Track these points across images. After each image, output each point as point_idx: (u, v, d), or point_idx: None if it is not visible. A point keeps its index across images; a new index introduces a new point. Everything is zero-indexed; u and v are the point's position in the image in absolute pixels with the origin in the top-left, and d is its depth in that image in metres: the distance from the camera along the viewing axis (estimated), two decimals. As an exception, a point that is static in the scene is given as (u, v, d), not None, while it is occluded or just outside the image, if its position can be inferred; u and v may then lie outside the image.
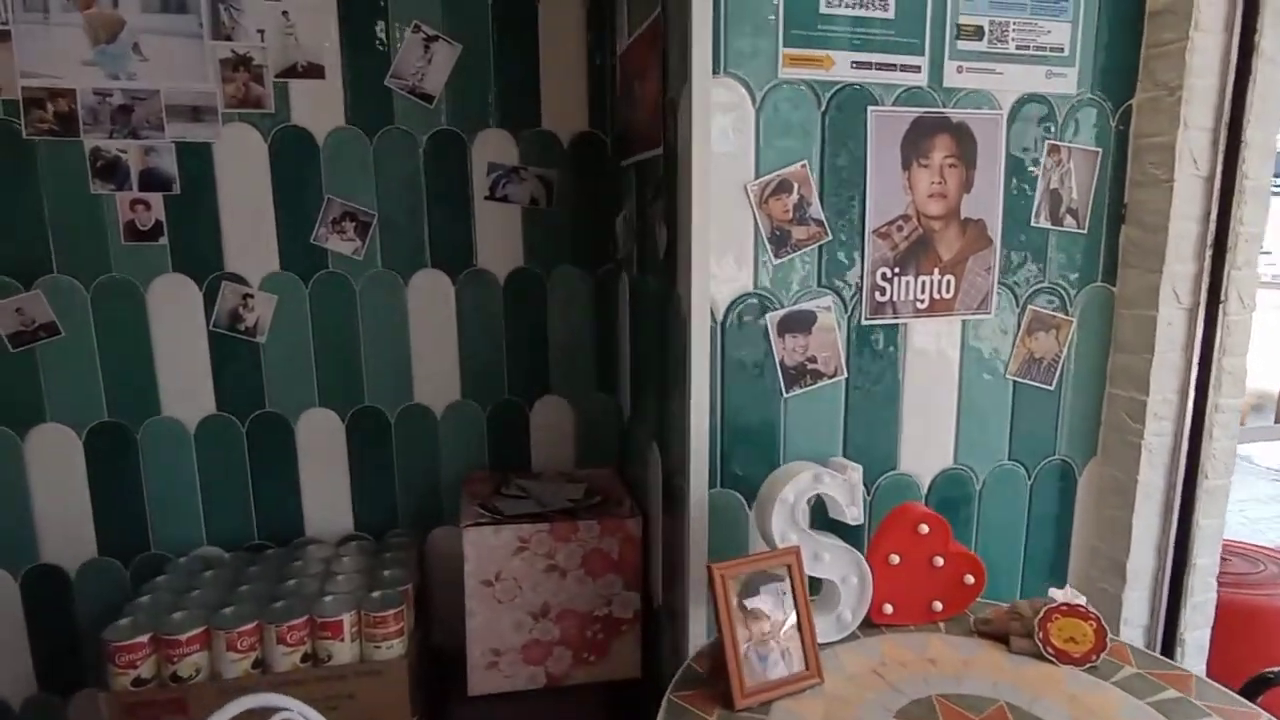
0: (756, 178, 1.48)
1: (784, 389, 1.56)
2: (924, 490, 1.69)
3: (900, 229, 1.57)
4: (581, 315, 2.31)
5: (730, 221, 1.48)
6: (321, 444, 2.21)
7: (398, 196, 2.15)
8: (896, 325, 1.61)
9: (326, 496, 2.23)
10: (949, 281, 1.62)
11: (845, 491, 1.40)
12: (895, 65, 1.51)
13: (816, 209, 1.52)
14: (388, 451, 2.25)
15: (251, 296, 2.10)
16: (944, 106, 1.55)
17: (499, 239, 2.22)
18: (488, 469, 2.31)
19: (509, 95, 2.16)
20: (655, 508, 1.85)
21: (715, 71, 1.42)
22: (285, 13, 2.01)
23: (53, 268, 1.98)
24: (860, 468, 1.40)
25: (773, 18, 1.43)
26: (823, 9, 1.45)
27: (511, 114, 2.18)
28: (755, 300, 1.52)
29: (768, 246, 1.51)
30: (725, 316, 1.51)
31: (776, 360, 1.55)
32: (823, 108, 1.49)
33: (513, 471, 2.29)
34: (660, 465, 1.80)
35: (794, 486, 1.36)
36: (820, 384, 1.58)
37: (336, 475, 2.23)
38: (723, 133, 1.44)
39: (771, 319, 1.53)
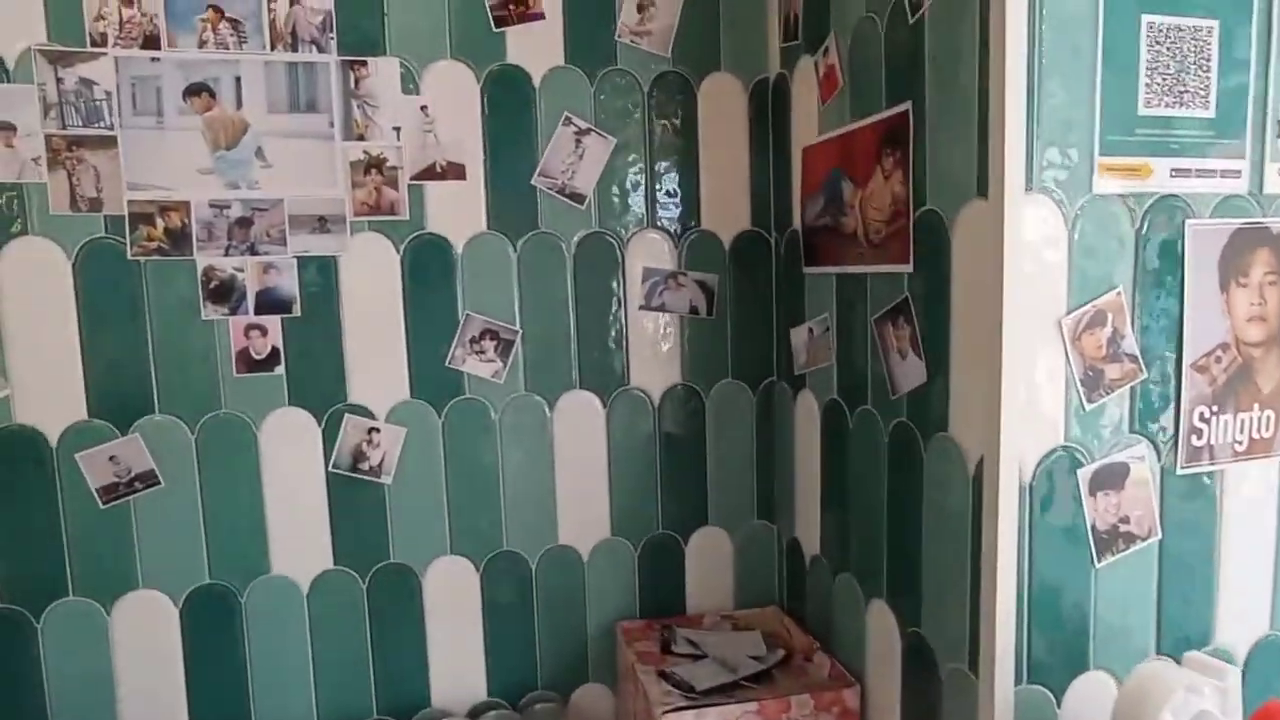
0: (1069, 311, 1.22)
1: (1095, 557, 1.28)
2: (1240, 663, 1.40)
3: (1218, 360, 1.31)
4: (742, 435, 2.03)
5: (1034, 362, 1.22)
6: (453, 597, 1.89)
7: (544, 310, 1.88)
8: (1214, 472, 1.34)
9: (457, 658, 1.90)
10: (1269, 418, 1.36)
11: (1221, 701, 1.11)
12: (1215, 171, 1.27)
13: (1130, 342, 1.26)
14: (528, 602, 1.93)
15: (377, 431, 1.81)
16: (1264, 215, 1.31)
17: (654, 353, 1.95)
18: (638, 615, 1.99)
19: (666, 193, 1.92)
20: (874, 674, 1.54)
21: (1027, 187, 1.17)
22: (424, 107, 1.77)
23: (154, 407, 1.68)
24: (1236, 670, 1.11)
25: (1089, 121, 1.19)
26: (1141, 109, 1.22)
27: (668, 213, 1.93)
28: (1064, 454, 1.25)
29: (1080, 389, 1.24)
30: (1033, 476, 1.23)
31: (1087, 524, 1.27)
32: (1137, 224, 1.24)
33: (670, 619, 1.97)
34: (896, 631, 1.50)
35: (1171, 709, 1.07)
36: (1133, 548, 1.30)
37: (469, 632, 1.91)
38: (1027, 258, 1.19)
39: (1083, 475, 1.26)
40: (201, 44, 1.66)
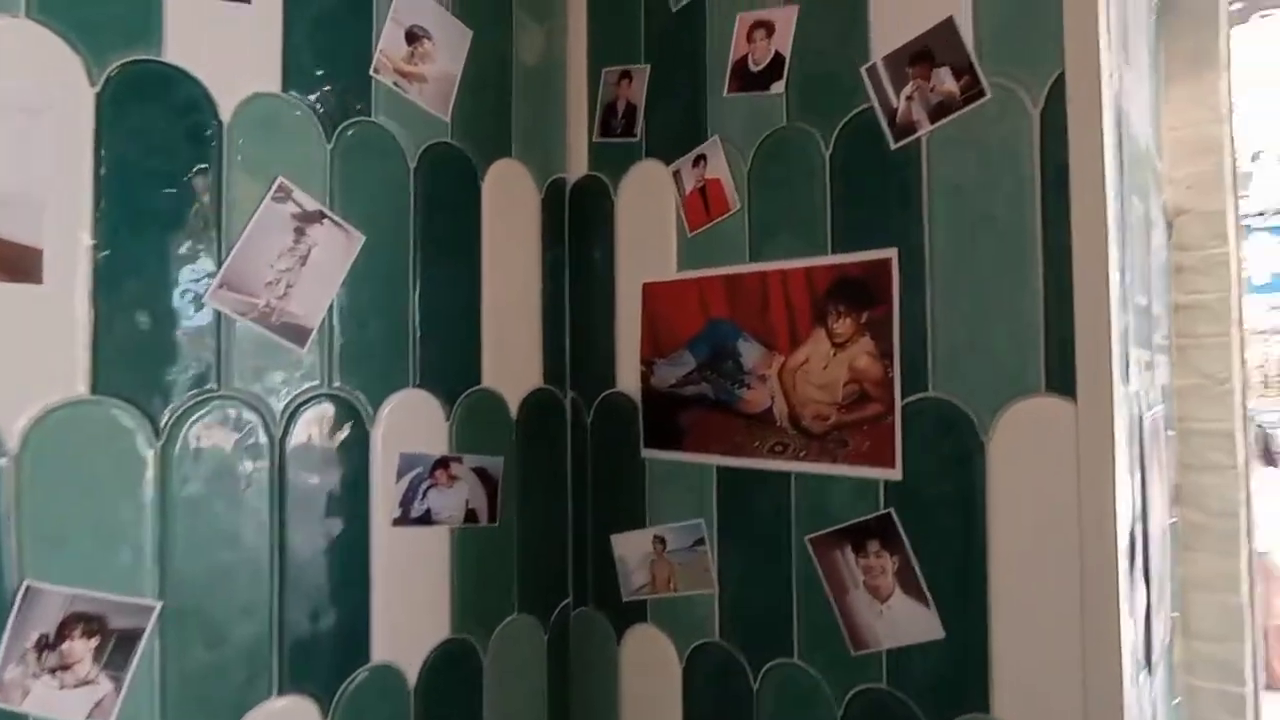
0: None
1: None
2: None
3: None
4: (530, 692, 1.32)
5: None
6: None
7: (212, 565, 0.94)
8: None
9: None
10: None
11: None
12: None
13: None
14: None
15: None
16: None
17: (408, 598, 1.14)
18: None
19: (438, 331, 1.19)
20: None
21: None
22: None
23: None
24: None
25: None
26: (1122, 296, 1.08)
27: (440, 363, 1.19)
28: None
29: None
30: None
31: None
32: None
33: None
34: None
35: None
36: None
37: None
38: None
39: None
40: None
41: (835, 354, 1.06)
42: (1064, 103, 0.90)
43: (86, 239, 0.85)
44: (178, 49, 0.92)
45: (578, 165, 1.40)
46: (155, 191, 0.90)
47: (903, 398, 1.00)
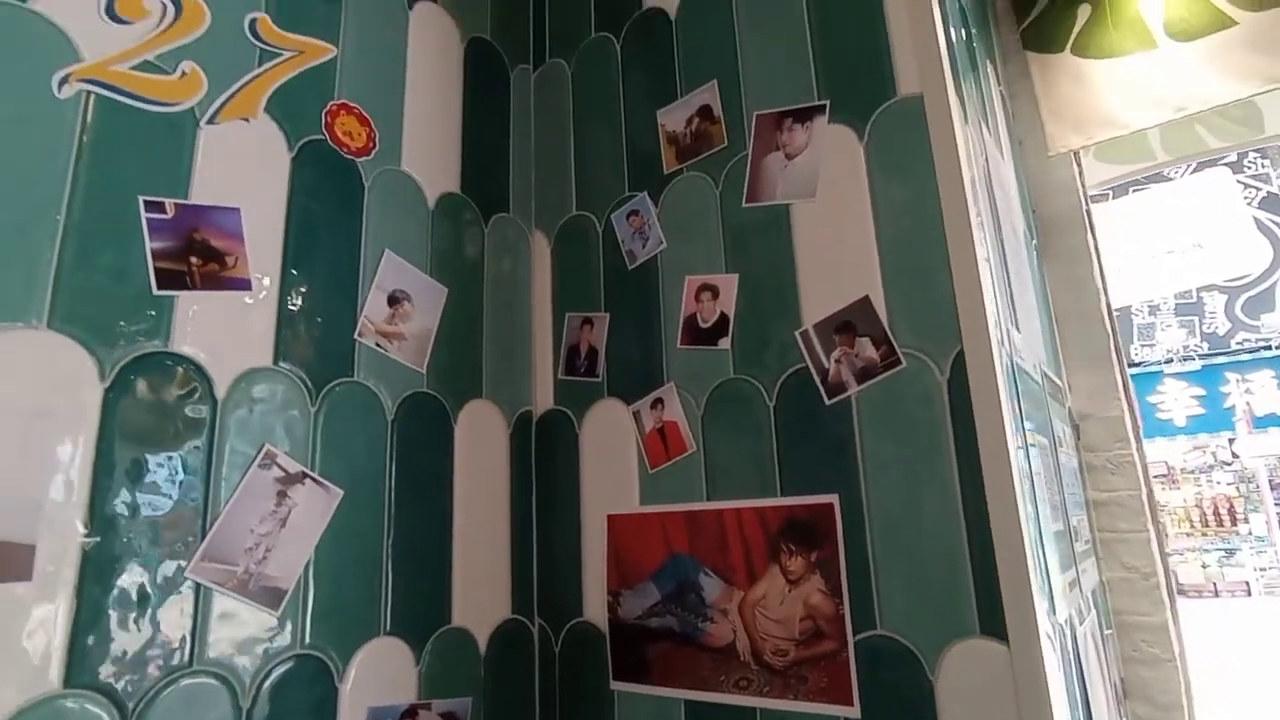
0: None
1: None
2: None
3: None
4: None
5: None
6: None
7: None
8: None
9: None
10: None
11: None
12: None
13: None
14: None
15: None
16: None
17: None
18: None
19: (407, 576, 1.22)
20: None
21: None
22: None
23: None
24: None
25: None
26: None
27: (410, 607, 1.22)
28: None
29: None
30: None
31: None
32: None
33: None
34: None
35: None
36: None
37: None
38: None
39: None
40: None
41: (790, 590, 1.13)
42: (965, 372, 1.05)
43: (80, 529, 0.88)
44: (183, 338, 1.01)
45: (544, 400, 1.51)
46: (151, 473, 0.95)
47: (854, 634, 1.07)
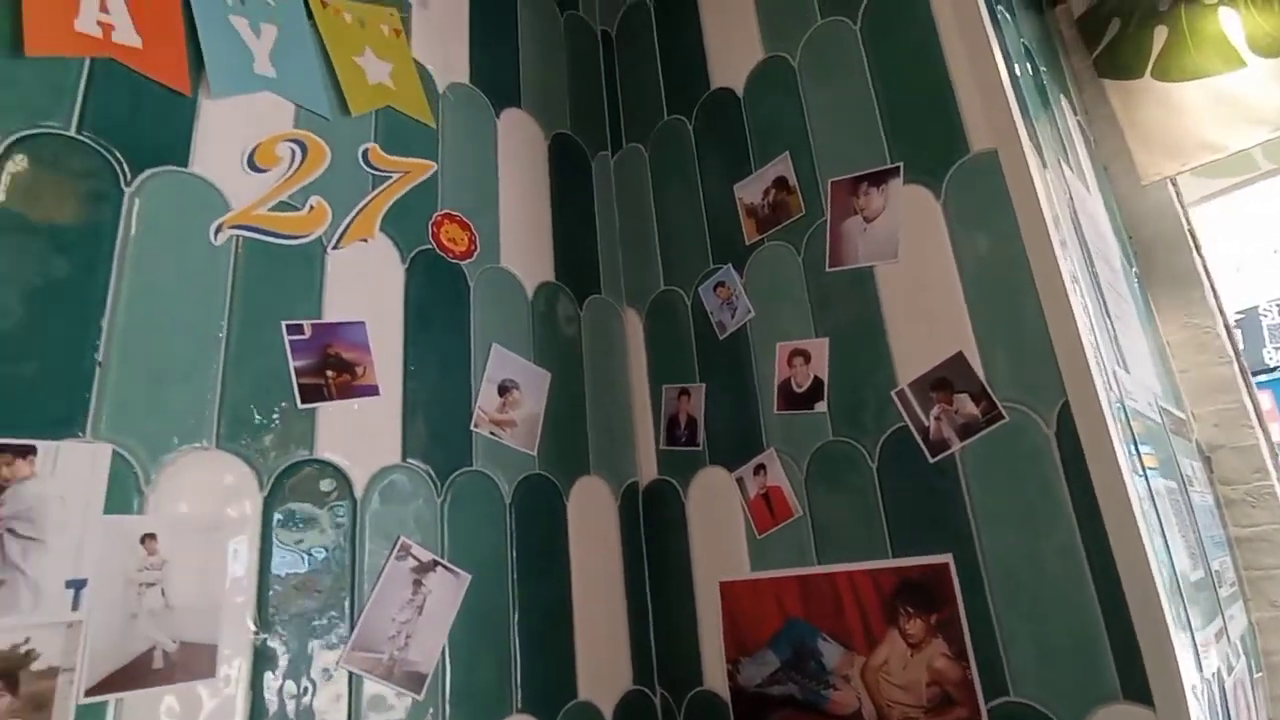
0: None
1: None
2: None
3: None
4: None
5: None
6: None
7: None
8: None
9: None
10: None
11: None
12: None
13: None
14: None
15: None
16: None
17: None
18: None
19: (536, 655, 1.28)
20: None
21: None
22: (149, 538, 0.93)
23: None
24: None
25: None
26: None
27: (538, 686, 1.27)
28: None
29: None
30: None
31: None
32: None
33: None
34: None
35: None
36: None
37: None
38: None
39: None
40: None
41: (913, 655, 1.12)
42: (1073, 422, 1.03)
43: (250, 627, 0.99)
44: (325, 445, 1.12)
45: (648, 471, 1.56)
46: (305, 571, 1.05)
47: (986, 701, 1.05)
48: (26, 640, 0.82)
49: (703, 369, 1.53)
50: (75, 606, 0.86)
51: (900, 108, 1.33)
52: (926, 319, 1.21)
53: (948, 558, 1.11)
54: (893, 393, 1.22)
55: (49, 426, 0.90)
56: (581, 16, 1.95)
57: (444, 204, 1.42)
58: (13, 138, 0.96)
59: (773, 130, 1.52)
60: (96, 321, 0.97)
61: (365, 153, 1.34)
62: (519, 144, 1.64)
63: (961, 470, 1.13)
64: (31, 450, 0.87)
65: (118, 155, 1.04)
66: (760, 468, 1.37)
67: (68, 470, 0.89)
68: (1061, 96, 1.77)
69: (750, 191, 1.53)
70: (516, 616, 1.27)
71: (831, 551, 1.25)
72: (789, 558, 1.30)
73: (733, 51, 1.64)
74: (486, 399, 1.35)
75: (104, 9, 1.08)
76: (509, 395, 1.39)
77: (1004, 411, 1.10)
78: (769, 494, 1.34)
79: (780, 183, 1.48)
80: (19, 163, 0.95)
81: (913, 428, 1.19)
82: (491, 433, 1.34)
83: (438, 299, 1.35)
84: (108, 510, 0.91)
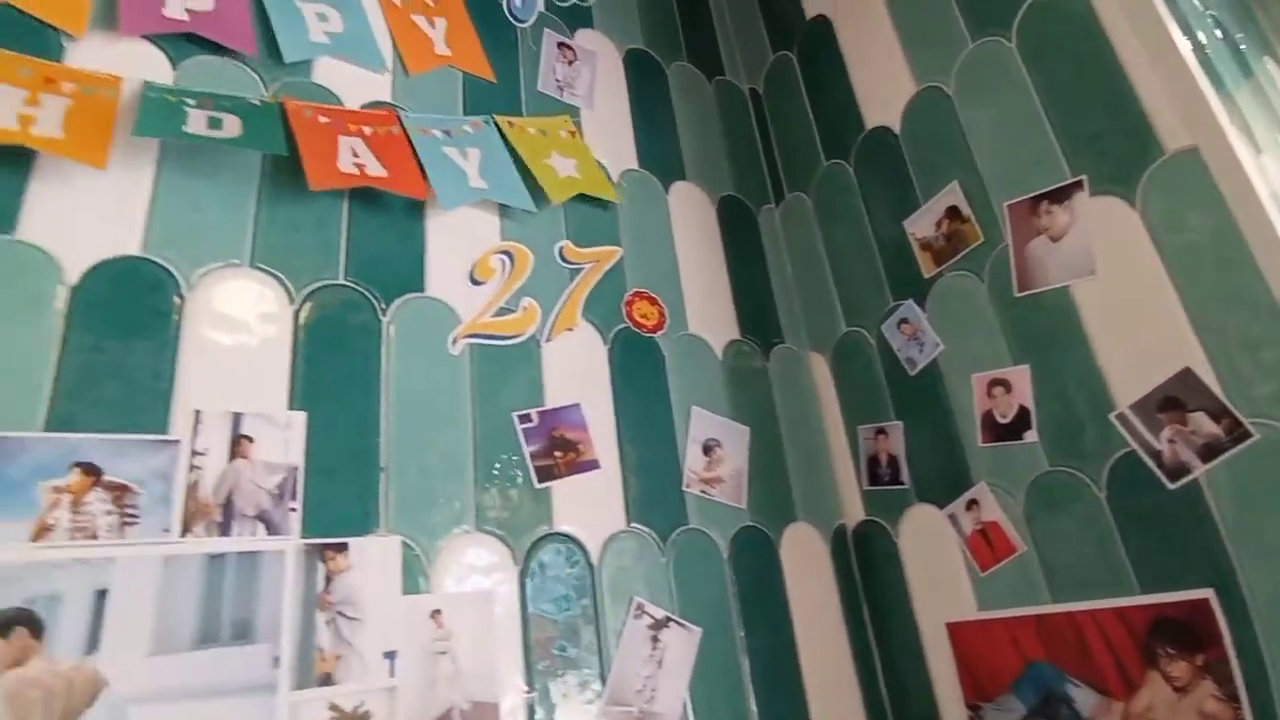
0: None
1: None
2: None
3: None
4: None
5: None
6: None
7: None
8: None
9: None
10: None
11: None
12: None
13: None
14: None
15: None
16: None
17: None
18: None
19: (767, 696, 1.33)
20: None
21: None
22: (436, 613, 1.10)
23: None
24: None
25: None
26: None
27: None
28: None
29: None
30: None
31: None
32: None
33: None
34: None
35: None
36: None
37: None
38: None
39: None
40: (42, 532, 0.91)
41: (1180, 699, 1.05)
42: (1344, 433, 0.94)
43: (522, 687, 1.13)
44: (561, 518, 1.26)
45: (854, 512, 1.58)
46: (561, 636, 1.18)
47: (1277, 747, 0.96)
48: (362, 703, 1.00)
49: (897, 407, 1.53)
50: (392, 674, 1.04)
51: (1074, 119, 1.28)
52: (1139, 334, 1.15)
53: (1208, 593, 1.03)
54: (1112, 416, 1.16)
55: (355, 526, 1.10)
56: (729, 79, 2.05)
57: (632, 283, 1.56)
58: (310, 288, 1.20)
59: (936, 161, 1.52)
60: (376, 435, 1.17)
61: (561, 250, 1.50)
62: (690, 213, 1.75)
63: (1210, 496, 1.05)
64: (345, 547, 1.08)
65: (375, 292, 1.26)
66: (972, 503, 1.34)
67: (371, 561, 1.09)
68: (1265, 57, 1.60)
69: (921, 225, 1.53)
70: (747, 666, 1.33)
71: (1067, 588, 1.20)
72: (1019, 596, 1.26)
73: (883, 89, 1.66)
74: (693, 459, 1.44)
75: (355, 153, 1.31)
76: (713, 453, 1.47)
77: (1251, 428, 1.01)
78: (986, 529, 1.31)
79: (952, 212, 1.47)
80: (308, 311, 1.19)
81: (1142, 452, 1.12)
82: (702, 491, 1.43)
83: (638, 372, 1.47)
84: (405, 591, 1.09)
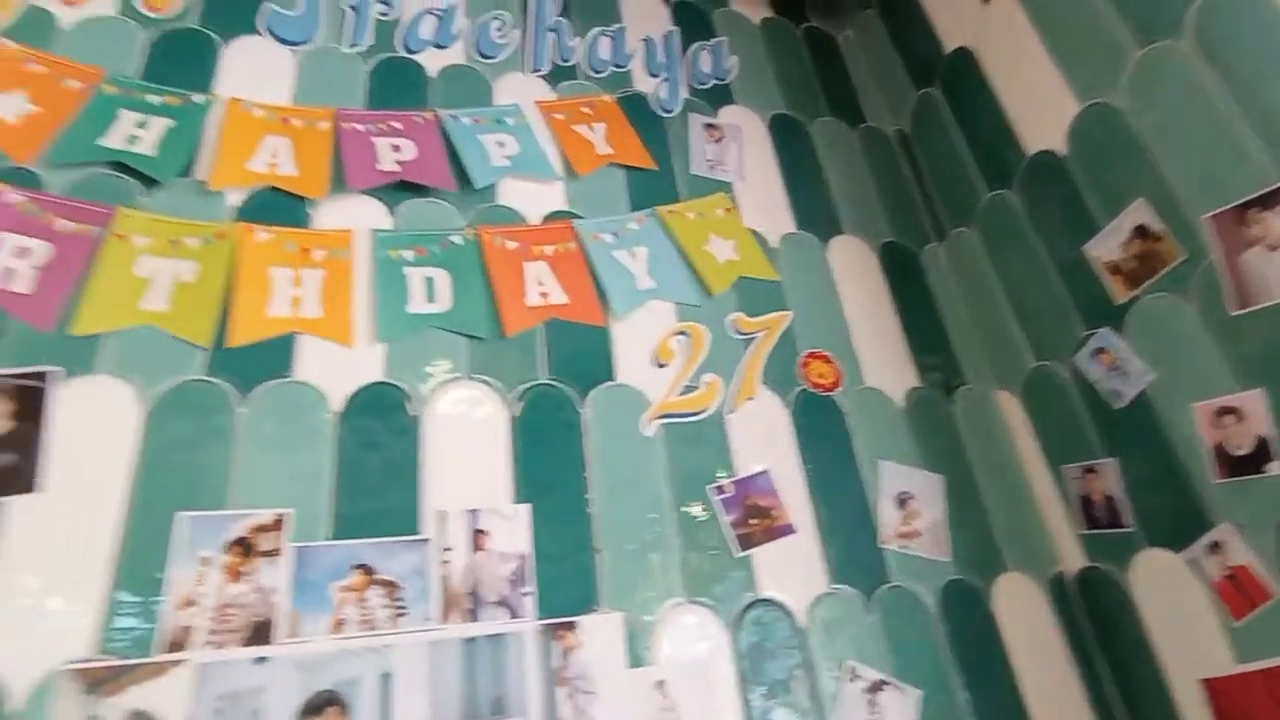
0: None
1: None
2: None
3: None
4: None
5: None
6: None
7: None
8: None
9: None
10: None
11: None
12: None
13: None
14: None
15: None
16: None
17: None
18: None
19: (1002, 763, 1.28)
20: None
21: None
22: (661, 683, 1.17)
23: None
24: None
25: None
26: None
27: (1015, 797, 1.25)
28: None
29: None
30: None
31: None
32: None
33: None
34: None
35: None
36: None
37: None
38: None
39: None
40: (338, 625, 1.09)
41: None
42: None
43: (748, 753, 1.17)
44: (764, 583, 1.31)
45: (1070, 559, 1.49)
46: (781, 704, 1.22)
47: None
48: (606, 773, 1.09)
49: (1106, 442, 1.44)
50: (628, 745, 1.12)
51: (1271, 117, 1.19)
52: (1398, 346, 1.03)
53: None
54: (1377, 440, 1.04)
55: (579, 605, 1.20)
56: (873, 126, 2.06)
57: (804, 344, 1.59)
58: (518, 391, 1.35)
59: (1112, 179, 1.44)
60: (587, 520, 1.28)
61: (733, 322, 1.57)
62: (852, 265, 1.77)
63: None
64: (575, 625, 1.18)
65: (574, 386, 1.39)
66: (1215, 545, 1.23)
67: (598, 637, 1.18)
68: None
69: (1106, 248, 1.45)
70: (969, 729, 1.29)
71: (1346, 635, 1.07)
72: (1287, 646, 1.13)
73: (1041, 112, 1.61)
74: (887, 515, 1.44)
75: (540, 282, 1.47)
76: (907, 506, 1.46)
77: None
78: (1236, 574, 1.20)
79: (1141, 231, 1.38)
80: (525, 411, 1.34)
81: None
82: (900, 546, 1.41)
83: (821, 432, 1.50)
84: (630, 665, 1.18)
